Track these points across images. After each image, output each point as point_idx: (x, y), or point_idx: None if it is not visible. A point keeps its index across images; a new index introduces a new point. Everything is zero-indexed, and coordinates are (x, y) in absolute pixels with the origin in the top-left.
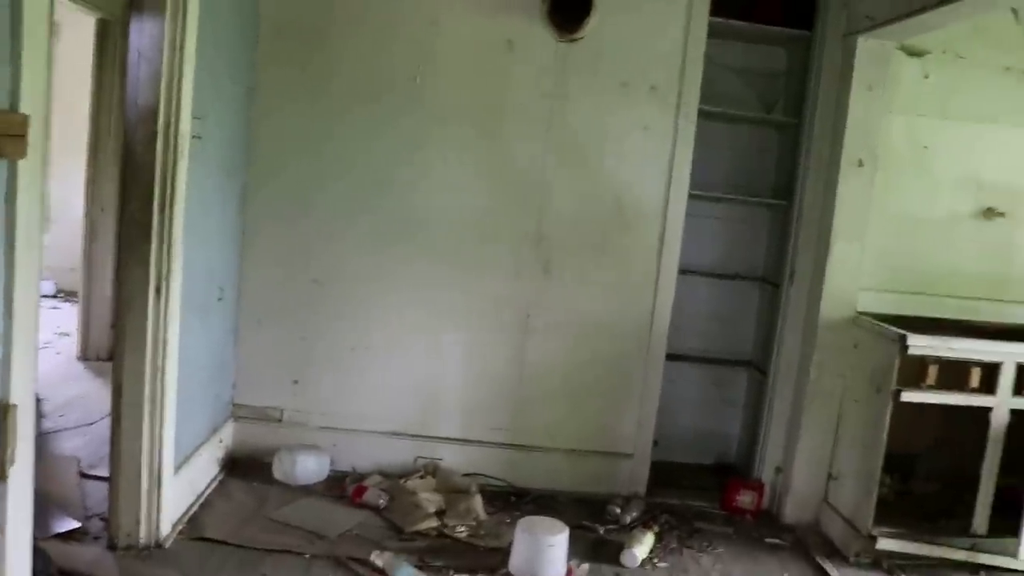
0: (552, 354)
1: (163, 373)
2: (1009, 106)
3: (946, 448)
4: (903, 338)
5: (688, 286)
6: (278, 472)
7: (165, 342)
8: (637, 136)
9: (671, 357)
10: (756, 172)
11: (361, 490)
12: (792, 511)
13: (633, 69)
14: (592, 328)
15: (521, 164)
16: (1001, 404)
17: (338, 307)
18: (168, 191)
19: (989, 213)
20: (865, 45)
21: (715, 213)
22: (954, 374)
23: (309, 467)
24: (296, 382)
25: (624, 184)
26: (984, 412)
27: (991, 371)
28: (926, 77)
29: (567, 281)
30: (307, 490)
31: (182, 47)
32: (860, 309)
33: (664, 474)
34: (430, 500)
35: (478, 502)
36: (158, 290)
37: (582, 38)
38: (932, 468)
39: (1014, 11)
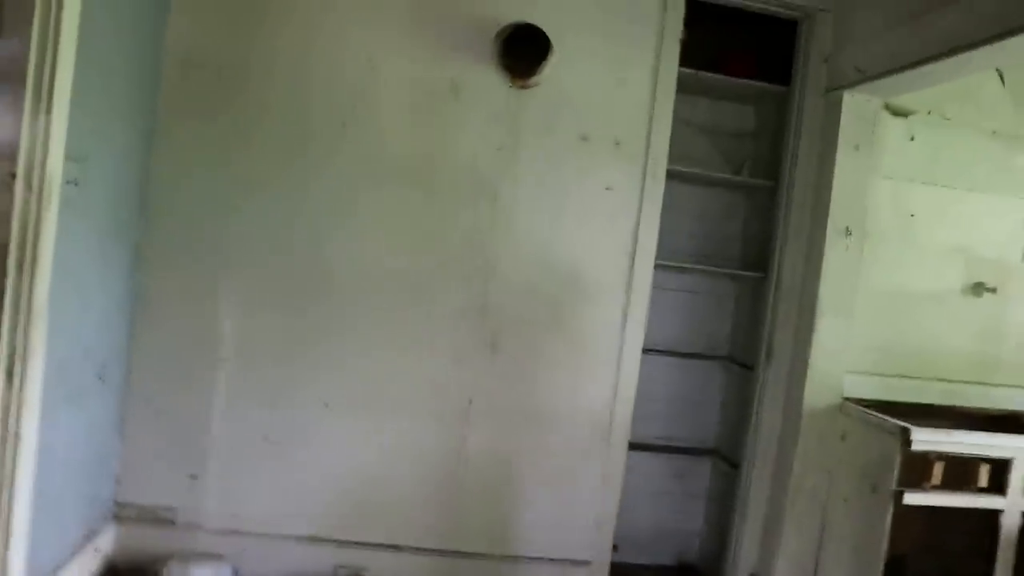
0: (497, 445)
1: (12, 479)
2: (996, 173)
3: (935, 550)
4: (905, 432)
5: (646, 365)
6: None
7: (18, 438)
8: (599, 196)
9: (629, 446)
10: (722, 240)
11: None
12: None
13: (595, 121)
14: (545, 415)
15: (465, 225)
16: (1013, 505)
17: (248, 389)
18: (29, 247)
19: (978, 288)
20: (851, 101)
21: (677, 284)
22: (959, 472)
23: None
24: (194, 477)
25: (583, 250)
26: (991, 514)
27: (1000, 468)
28: (911, 139)
29: (517, 361)
30: None
31: (52, 74)
32: (845, 395)
33: None
34: None
35: None
36: (10, 374)
37: (537, 84)
38: (920, 571)
39: (1000, 73)
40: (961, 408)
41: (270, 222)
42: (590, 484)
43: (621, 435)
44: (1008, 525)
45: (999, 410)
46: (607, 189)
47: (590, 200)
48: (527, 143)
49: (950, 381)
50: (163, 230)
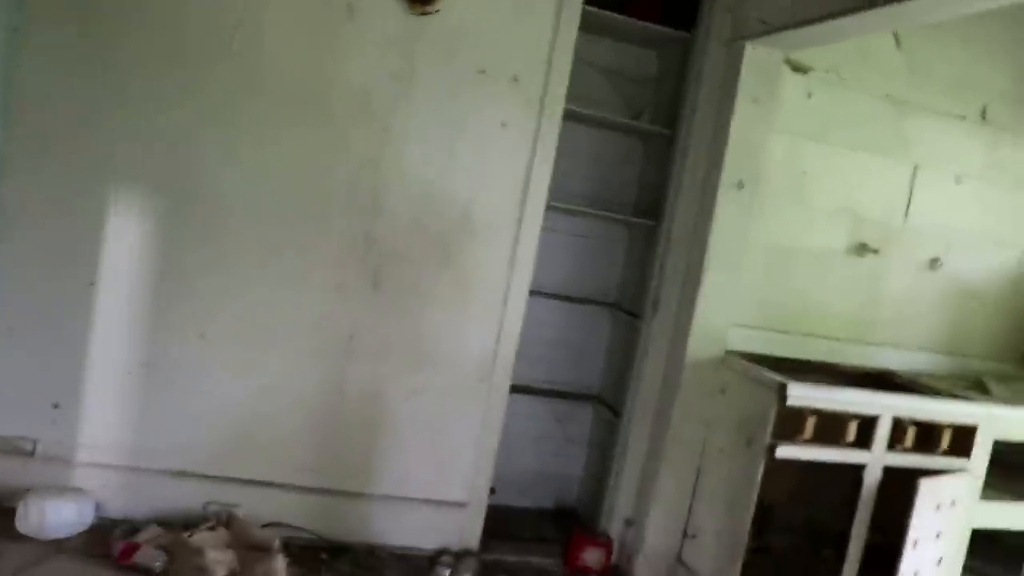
0: (378, 383)
1: None
2: (886, 136)
3: (801, 499)
4: (783, 387)
5: (532, 308)
6: (22, 522)
7: None
8: (494, 133)
9: (511, 389)
10: (617, 185)
11: (132, 548)
12: (643, 571)
13: (494, 55)
14: (427, 354)
15: (354, 155)
16: (875, 461)
17: (117, 317)
18: None
19: (862, 249)
20: (753, 53)
21: (567, 228)
22: (830, 427)
23: (65, 515)
24: (56, 406)
25: (475, 187)
26: (856, 468)
27: (868, 424)
28: (809, 96)
29: (400, 298)
30: (60, 546)
31: None
32: (728, 348)
33: (500, 523)
34: (220, 560)
35: (280, 562)
36: None
37: (437, 11)
38: (788, 520)
39: (896, 37)
40: (838, 366)
41: (143, 136)
42: (470, 425)
43: (503, 377)
44: (870, 479)
45: (874, 368)
46: (502, 125)
47: (484, 136)
48: (423, 73)
49: (831, 339)
50: (26, 138)
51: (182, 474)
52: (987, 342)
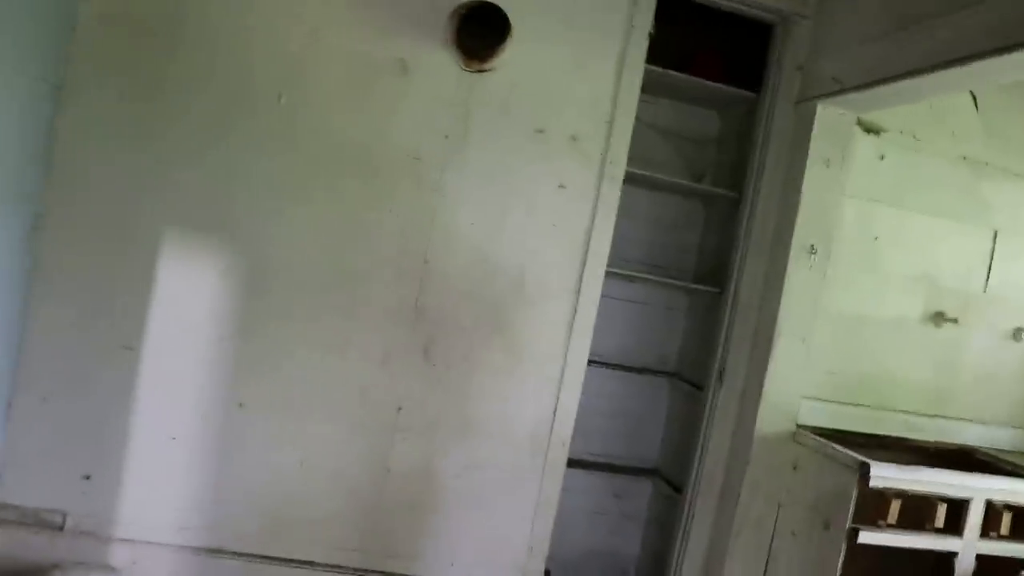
0: (426, 458)
1: None
2: (963, 200)
3: None
4: (864, 467)
5: (588, 377)
6: None
7: None
8: (551, 195)
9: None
10: (678, 250)
11: None
12: None
13: (552, 113)
14: (479, 428)
15: (404, 217)
16: (967, 548)
17: (154, 383)
18: None
19: (939, 318)
20: (824, 113)
21: (625, 294)
22: (916, 511)
23: None
24: (88, 477)
25: (531, 252)
26: (945, 555)
27: (957, 508)
28: (881, 158)
29: (451, 368)
30: None
31: None
32: (799, 422)
33: None
34: None
35: None
36: None
37: (493, 69)
38: None
39: (973, 96)
40: (914, 441)
41: (187, 200)
42: (523, 504)
43: (559, 452)
44: (962, 568)
45: (951, 444)
46: (560, 187)
47: (541, 198)
48: (477, 132)
49: (905, 412)
50: (66, 199)
51: (218, 552)
52: None
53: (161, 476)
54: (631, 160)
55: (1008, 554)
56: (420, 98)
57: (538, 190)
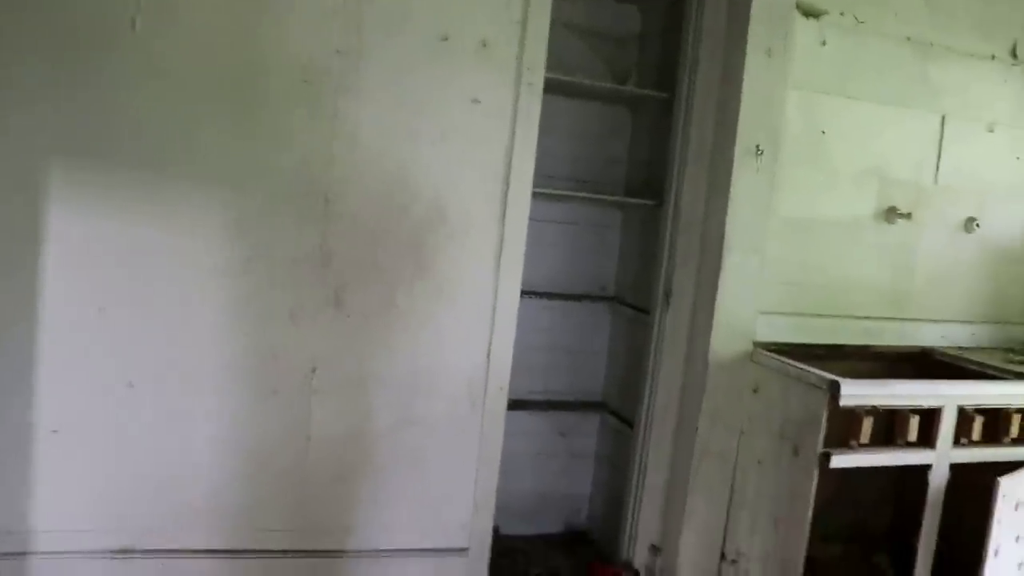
0: (351, 420)
1: None
2: (909, 85)
3: (842, 502)
4: (834, 386)
5: (522, 311)
6: None
7: None
8: (465, 112)
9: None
10: (605, 162)
11: None
12: None
13: (456, 17)
14: (407, 381)
15: (299, 151)
16: (941, 459)
17: (23, 368)
18: None
19: (891, 214)
20: None
21: (551, 215)
22: (888, 426)
23: None
24: None
25: (447, 178)
26: (918, 469)
27: (929, 419)
28: (823, 44)
29: (369, 318)
30: None
31: None
32: (756, 339)
33: (504, 559)
34: None
35: None
36: None
37: None
38: (828, 526)
39: None
40: (875, 348)
41: (35, 152)
42: (464, 459)
43: (498, 399)
44: (936, 480)
45: (912, 347)
46: (474, 102)
47: (454, 117)
48: (373, 45)
49: (864, 318)
50: None
51: (120, 552)
52: None
53: (44, 477)
54: (547, 66)
55: (981, 459)
56: (303, 9)
57: (450, 108)
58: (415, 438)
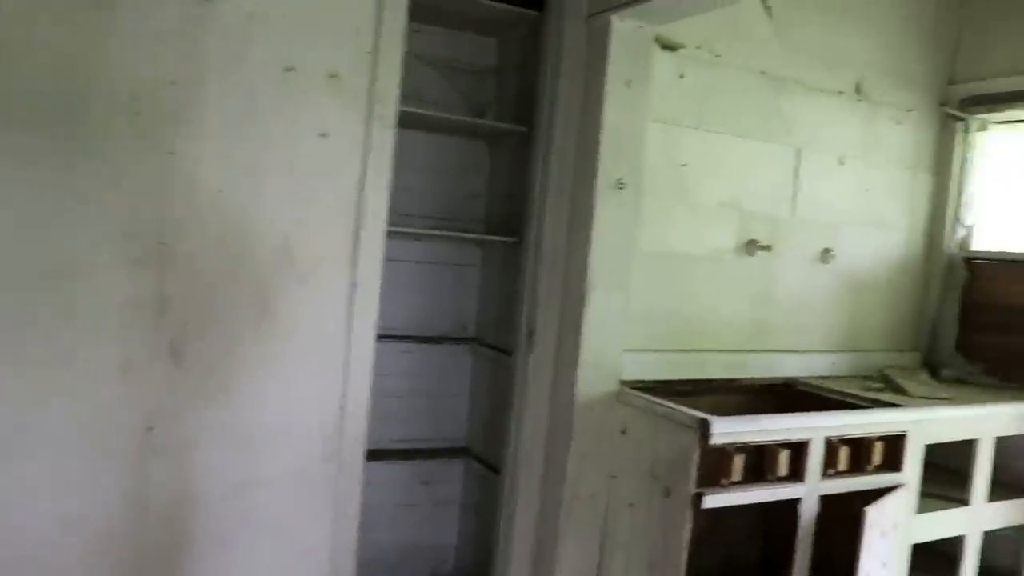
0: (193, 483)
1: None
2: (765, 119)
3: (712, 539)
4: (704, 425)
5: (379, 355)
6: None
7: None
8: (312, 147)
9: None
10: (463, 198)
11: None
12: None
13: (303, 47)
14: (253, 436)
15: (129, 190)
16: (811, 491)
17: None
18: None
19: (752, 246)
20: (620, 27)
21: (410, 255)
22: (758, 461)
23: None
24: None
25: (294, 217)
26: (789, 504)
27: (798, 452)
28: (682, 77)
29: (212, 370)
30: None
31: None
32: (623, 378)
33: None
34: None
35: None
36: None
37: None
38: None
39: (765, 5)
40: (740, 381)
41: None
42: (320, 518)
43: (355, 449)
44: (807, 513)
45: (774, 378)
46: (321, 136)
47: (301, 151)
48: (213, 75)
49: (728, 351)
50: None
51: None
52: (882, 333)
53: None
54: (402, 99)
55: (847, 489)
56: (132, 33)
57: (297, 143)
58: (265, 499)
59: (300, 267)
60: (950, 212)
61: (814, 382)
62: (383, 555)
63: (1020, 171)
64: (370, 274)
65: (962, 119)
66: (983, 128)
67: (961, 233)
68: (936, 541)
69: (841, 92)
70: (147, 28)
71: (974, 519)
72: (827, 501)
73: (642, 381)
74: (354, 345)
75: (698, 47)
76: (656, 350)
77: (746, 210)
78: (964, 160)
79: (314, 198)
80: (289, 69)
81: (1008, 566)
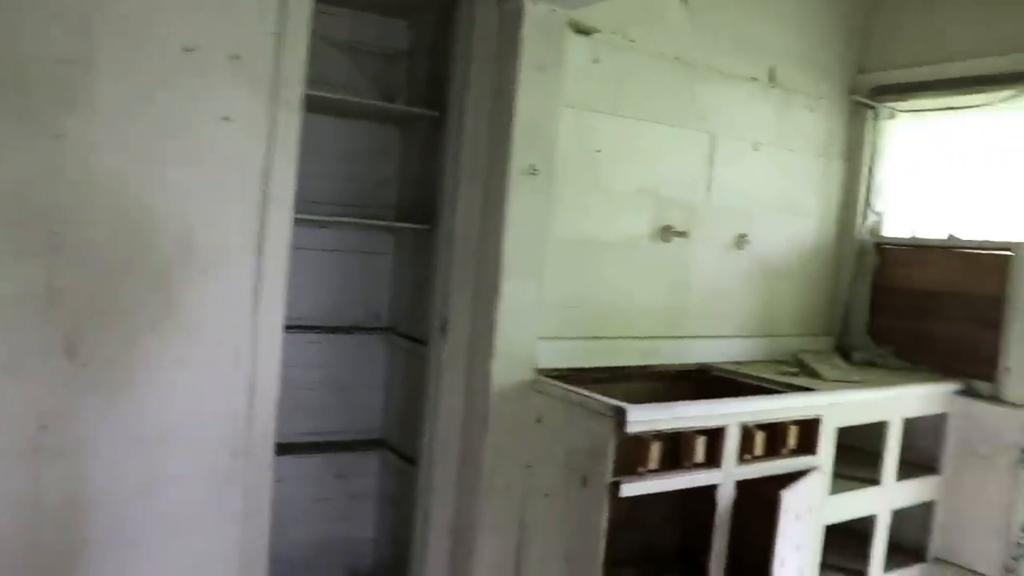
0: (91, 485)
1: None
2: (679, 104)
3: (630, 525)
4: (620, 413)
5: (288, 347)
6: None
7: None
8: (214, 131)
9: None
10: (373, 184)
11: None
12: None
13: (203, 26)
14: (156, 434)
15: (15, 175)
16: (728, 477)
17: None
18: None
19: (667, 233)
20: (533, 11)
21: (318, 242)
22: (676, 449)
23: None
24: None
25: (196, 205)
26: (706, 489)
27: (715, 439)
28: (596, 62)
29: (110, 365)
30: None
31: None
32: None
33: None
34: None
35: None
36: None
37: None
38: (620, 551)
39: None
40: (655, 367)
41: None
42: (229, 515)
43: (264, 444)
44: (724, 499)
45: (689, 364)
46: (224, 120)
47: (203, 136)
48: (107, 55)
49: (643, 338)
50: None
51: None
52: (796, 318)
53: None
54: (309, 82)
55: (764, 474)
56: (17, 5)
57: (198, 127)
58: (171, 498)
59: (203, 256)
60: (861, 199)
61: (729, 367)
62: (298, 551)
63: (927, 159)
64: (277, 263)
65: (872, 107)
66: (892, 116)
67: (872, 219)
68: (848, 521)
69: (755, 79)
70: (40, 7)
71: (884, 498)
72: (744, 486)
73: (557, 369)
74: (261, 336)
75: (612, 32)
76: (571, 338)
77: (661, 196)
78: (874, 148)
79: (217, 185)
80: (188, 49)
81: (915, 541)
